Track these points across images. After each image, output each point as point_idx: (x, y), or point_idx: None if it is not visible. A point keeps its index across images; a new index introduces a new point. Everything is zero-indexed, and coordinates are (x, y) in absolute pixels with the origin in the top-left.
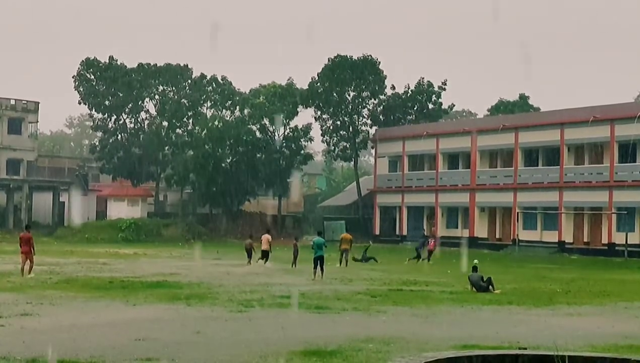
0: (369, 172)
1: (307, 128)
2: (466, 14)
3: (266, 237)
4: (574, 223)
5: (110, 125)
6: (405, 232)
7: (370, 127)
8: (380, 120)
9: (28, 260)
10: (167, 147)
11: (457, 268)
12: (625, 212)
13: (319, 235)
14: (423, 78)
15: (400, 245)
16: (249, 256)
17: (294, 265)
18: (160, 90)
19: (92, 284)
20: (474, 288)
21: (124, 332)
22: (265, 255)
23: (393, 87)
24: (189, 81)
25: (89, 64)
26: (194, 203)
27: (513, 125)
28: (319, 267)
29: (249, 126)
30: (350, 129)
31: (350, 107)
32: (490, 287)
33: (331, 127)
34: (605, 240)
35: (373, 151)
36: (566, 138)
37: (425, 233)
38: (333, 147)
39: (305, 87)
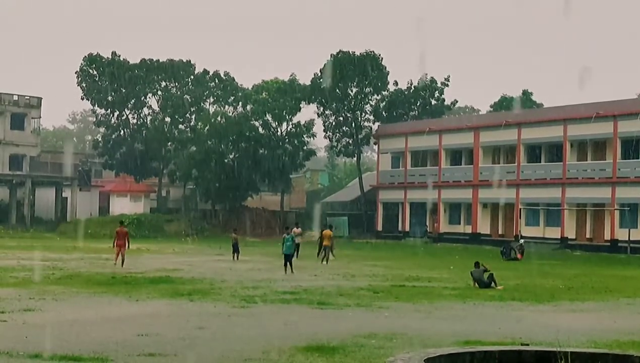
0: (371, 168)
1: (310, 124)
2: (469, 10)
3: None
4: (577, 220)
5: (113, 121)
6: (407, 228)
7: (373, 123)
8: (383, 116)
9: (121, 253)
10: (169, 143)
11: (459, 264)
12: (628, 209)
13: (287, 232)
14: (426, 74)
15: (403, 242)
16: (235, 251)
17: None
18: (163, 86)
19: (95, 280)
20: (476, 284)
21: (127, 327)
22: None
23: (396, 83)
24: (192, 77)
25: (91, 60)
26: (196, 199)
27: (516, 121)
28: (289, 264)
29: (251, 122)
30: (353, 124)
31: (353, 103)
32: (493, 283)
33: (334, 123)
34: (608, 237)
35: (376, 147)
36: (569, 134)
37: (520, 240)
38: (336, 143)
39: (308, 83)
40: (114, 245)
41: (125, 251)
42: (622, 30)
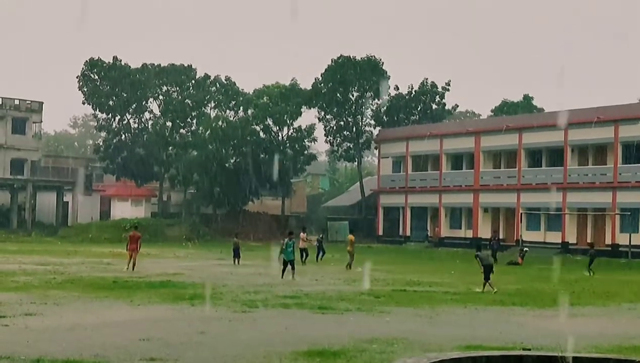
0: (372, 172)
1: (311, 128)
2: (470, 15)
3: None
4: (578, 224)
5: (114, 125)
6: (408, 233)
7: (374, 128)
8: (383, 121)
9: (133, 257)
10: (170, 147)
11: (460, 269)
12: (629, 213)
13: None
14: (427, 79)
15: (404, 246)
16: (236, 256)
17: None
18: (164, 90)
19: (96, 284)
20: (481, 265)
21: (128, 332)
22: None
23: (397, 88)
24: (193, 81)
25: (93, 64)
26: (197, 203)
27: (517, 126)
28: (289, 266)
29: (252, 126)
30: (354, 129)
31: (353, 107)
32: (490, 276)
33: (335, 128)
34: (609, 241)
35: (376, 151)
36: (570, 139)
37: (524, 249)
38: (336, 148)
39: (309, 87)
40: (127, 249)
41: (137, 255)
42: (623, 35)
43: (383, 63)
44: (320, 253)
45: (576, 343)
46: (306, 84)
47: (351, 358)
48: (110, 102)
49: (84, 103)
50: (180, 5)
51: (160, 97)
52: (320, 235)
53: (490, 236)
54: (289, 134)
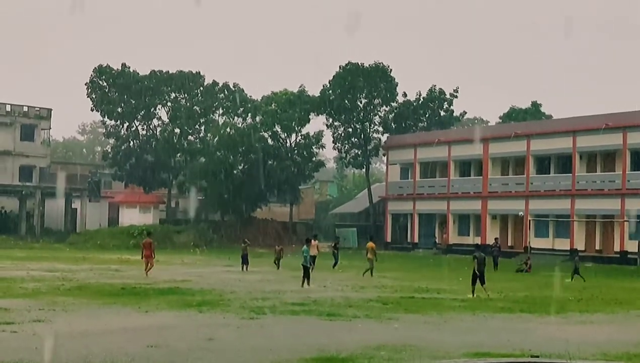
0: (380, 179)
1: (319, 135)
2: (478, 22)
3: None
4: (586, 231)
5: (122, 132)
6: (416, 240)
7: (382, 135)
8: (391, 128)
9: (149, 263)
10: (179, 154)
11: (468, 275)
12: (638, 220)
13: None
14: (435, 85)
15: (412, 253)
16: (244, 262)
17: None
18: (172, 97)
19: (104, 291)
20: (476, 266)
21: (136, 338)
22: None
23: (405, 95)
24: (201, 88)
25: (101, 71)
26: (205, 210)
27: (525, 132)
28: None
29: (260, 133)
30: (362, 136)
31: (362, 114)
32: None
33: (343, 134)
34: (617, 248)
35: (385, 158)
36: (578, 146)
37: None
38: (344, 154)
39: (317, 94)
40: (142, 257)
41: (152, 261)
42: (631, 41)
43: (391, 70)
44: (336, 262)
45: (584, 351)
46: (314, 90)
47: None
48: (119, 109)
49: (92, 110)
50: (189, 12)
51: (169, 103)
52: (335, 243)
53: (493, 243)
54: (297, 140)
